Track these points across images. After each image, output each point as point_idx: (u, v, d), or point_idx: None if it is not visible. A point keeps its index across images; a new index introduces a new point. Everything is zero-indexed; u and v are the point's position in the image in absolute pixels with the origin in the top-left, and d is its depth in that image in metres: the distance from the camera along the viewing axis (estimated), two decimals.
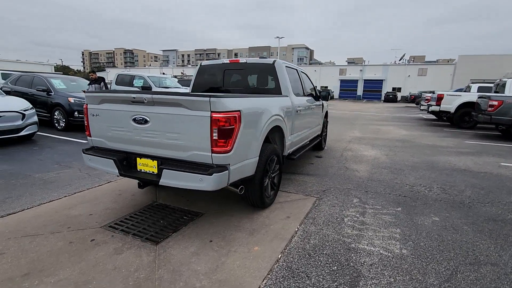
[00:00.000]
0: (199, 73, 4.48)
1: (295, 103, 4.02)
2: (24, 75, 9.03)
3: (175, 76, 28.71)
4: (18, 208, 3.21)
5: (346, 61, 62.34)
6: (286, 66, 4.15)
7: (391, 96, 38.83)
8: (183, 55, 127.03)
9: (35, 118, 6.48)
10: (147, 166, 2.74)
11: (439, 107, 10.99)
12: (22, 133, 6.13)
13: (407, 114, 18.63)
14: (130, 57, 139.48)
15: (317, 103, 5.52)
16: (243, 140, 2.62)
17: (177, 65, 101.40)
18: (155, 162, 2.68)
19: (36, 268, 2.17)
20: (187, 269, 2.20)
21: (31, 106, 6.51)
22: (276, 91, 3.92)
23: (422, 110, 13.93)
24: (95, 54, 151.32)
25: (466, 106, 10.59)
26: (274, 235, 2.74)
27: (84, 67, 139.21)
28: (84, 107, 3.01)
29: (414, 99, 30.59)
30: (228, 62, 4.23)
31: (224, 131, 2.37)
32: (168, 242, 2.59)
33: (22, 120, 6.09)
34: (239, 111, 2.51)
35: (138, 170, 2.81)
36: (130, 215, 3.12)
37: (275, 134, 3.63)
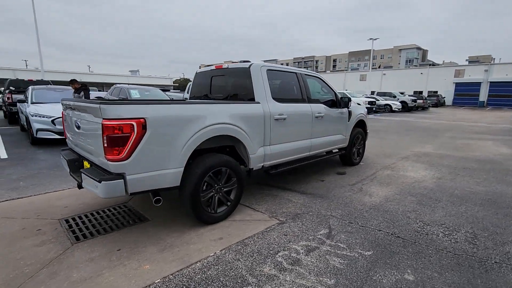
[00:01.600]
0: (195, 80, 4.53)
1: (273, 111, 3.55)
2: (117, 87, 11.18)
3: None
4: (30, 193, 3.96)
5: (467, 60, 51.28)
6: (269, 70, 3.73)
7: None
8: (281, 64, 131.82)
9: None
10: None
11: None
12: None
13: None
14: None
15: (336, 110, 4.74)
16: (153, 149, 2.48)
17: None
18: (89, 165, 2.84)
19: None
20: (64, 274, 2.22)
21: None
22: (251, 96, 3.56)
23: None
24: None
25: None
26: (182, 255, 2.47)
27: None
28: (61, 113, 3.47)
29: None
30: (214, 68, 4.12)
31: (115, 139, 2.30)
32: (84, 243, 2.68)
33: None
34: (142, 118, 2.39)
35: None
36: (92, 212, 3.39)
37: (240, 144, 3.31)
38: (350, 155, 5.39)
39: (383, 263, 2.36)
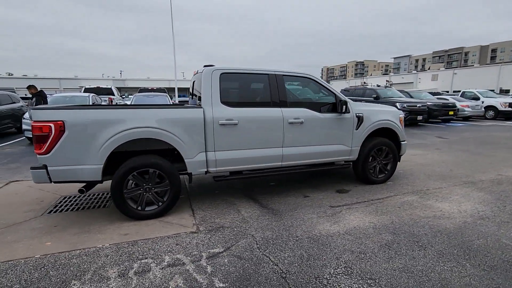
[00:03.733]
0: (191, 86, 4.82)
1: (218, 115, 3.42)
2: None
3: (378, 85, 26.31)
4: None
5: None
6: (225, 74, 3.58)
7: None
8: (416, 60, 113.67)
9: None
10: None
11: None
12: None
13: None
14: (361, 68, 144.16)
15: (330, 115, 4.00)
16: (71, 147, 2.95)
17: (407, 72, 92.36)
18: None
19: None
20: (5, 235, 2.95)
21: None
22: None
23: None
24: (331, 69, 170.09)
25: None
26: (81, 241, 2.82)
27: None
28: None
29: None
30: (194, 74, 4.28)
31: (38, 137, 2.88)
32: (48, 215, 3.45)
33: None
34: (60, 121, 2.90)
35: None
36: (89, 194, 4.26)
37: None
38: (364, 170, 4.37)
39: None
